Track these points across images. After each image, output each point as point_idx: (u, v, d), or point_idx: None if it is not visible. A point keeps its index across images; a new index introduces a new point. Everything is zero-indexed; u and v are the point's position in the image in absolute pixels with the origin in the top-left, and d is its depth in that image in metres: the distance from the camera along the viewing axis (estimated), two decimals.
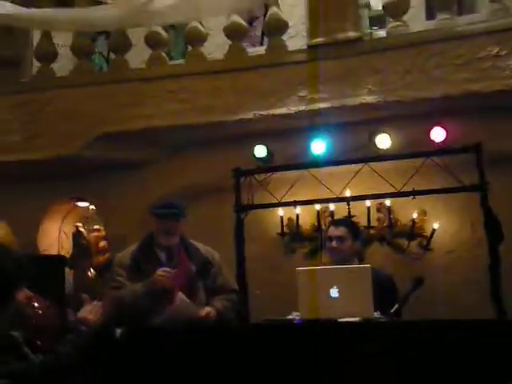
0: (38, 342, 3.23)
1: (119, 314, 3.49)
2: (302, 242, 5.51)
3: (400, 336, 2.91)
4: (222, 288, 3.77)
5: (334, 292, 3.20)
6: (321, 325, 3.07)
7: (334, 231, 4.03)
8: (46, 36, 5.70)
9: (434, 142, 4.56)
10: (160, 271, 3.49)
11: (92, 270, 6.28)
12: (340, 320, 3.09)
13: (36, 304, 3.29)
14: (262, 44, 6.43)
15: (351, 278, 3.27)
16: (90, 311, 3.09)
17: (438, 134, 4.51)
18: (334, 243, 3.97)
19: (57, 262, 4.86)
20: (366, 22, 5.74)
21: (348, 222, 4.40)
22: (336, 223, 4.18)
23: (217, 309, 3.62)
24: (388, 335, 2.94)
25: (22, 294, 2.97)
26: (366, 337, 2.93)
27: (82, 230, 6.15)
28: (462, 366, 2.68)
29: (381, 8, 5.28)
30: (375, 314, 3.23)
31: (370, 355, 2.83)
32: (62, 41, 6.53)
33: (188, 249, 3.75)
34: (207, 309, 3.59)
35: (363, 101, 4.74)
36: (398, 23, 4.82)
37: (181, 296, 3.52)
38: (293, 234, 5.52)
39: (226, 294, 3.76)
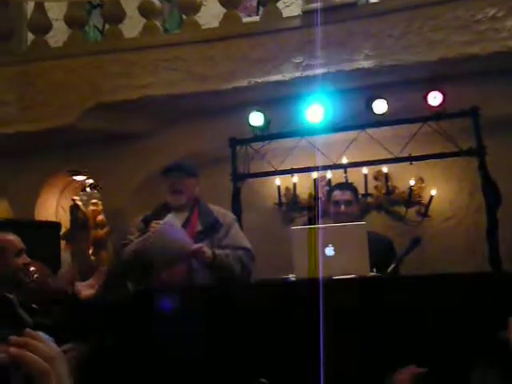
0: (34, 306, 3.24)
1: (122, 269, 3.49)
2: (300, 211, 5.50)
3: (395, 290, 2.88)
4: (230, 246, 3.60)
5: (329, 250, 3.18)
6: (314, 282, 3.04)
7: (341, 195, 4.02)
8: (40, 8, 5.64)
9: (430, 106, 4.53)
10: (153, 223, 3.46)
11: (90, 244, 6.25)
12: (334, 277, 3.07)
13: (32, 268, 3.29)
14: (258, 14, 6.37)
15: (347, 236, 3.24)
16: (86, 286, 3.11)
17: (434, 98, 4.48)
18: (342, 207, 3.95)
19: (52, 227, 4.85)
20: None
21: (352, 186, 4.38)
22: (341, 187, 4.16)
23: (214, 252, 3.47)
24: (384, 290, 2.91)
25: (20, 260, 2.97)
26: (362, 292, 2.90)
27: (79, 203, 6.11)
28: (456, 319, 2.66)
29: None
30: (371, 272, 3.22)
31: (365, 311, 2.81)
32: (56, 15, 6.48)
33: (201, 210, 3.70)
34: (201, 245, 3.45)
35: (359, 66, 4.67)
36: None
37: (171, 219, 3.41)
38: (290, 203, 5.51)
39: (231, 250, 3.60)
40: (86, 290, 3.00)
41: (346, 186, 4.30)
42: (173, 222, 3.42)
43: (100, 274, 3.11)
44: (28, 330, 0.89)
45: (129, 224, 3.94)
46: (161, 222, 3.46)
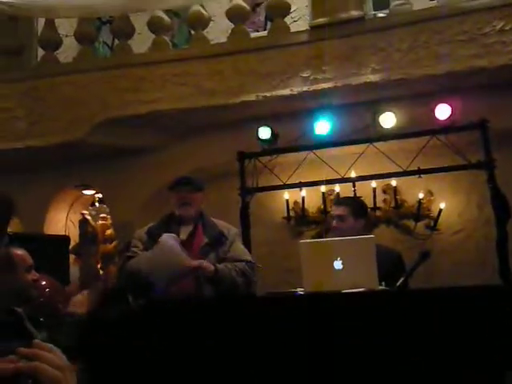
0: (41, 319, 3.25)
1: (128, 282, 3.50)
2: (309, 225, 5.49)
3: (404, 304, 2.87)
4: (232, 259, 3.65)
5: (337, 264, 3.17)
6: (323, 296, 3.03)
7: (335, 210, 4.06)
8: (50, 24, 5.71)
9: (438, 120, 4.53)
10: (164, 235, 3.48)
11: (99, 259, 6.28)
12: (343, 291, 3.06)
13: (44, 282, 3.31)
14: (265, 29, 6.41)
15: (355, 250, 3.23)
16: (79, 304, 3.14)
17: (442, 111, 4.49)
18: (334, 222, 3.97)
19: (61, 241, 4.88)
20: (370, 4, 5.68)
21: (349, 200, 4.37)
22: (337, 202, 4.19)
23: (216, 266, 3.50)
24: (392, 304, 2.89)
25: (30, 276, 2.98)
26: (370, 306, 2.88)
27: (88, 217, 6.15)
28: (465, 332, 2.64)
29: None
30: (380, 286, 3.21)
31: (373, 324, 2.79)
32: (66, 31, 6.56)
33: (205, 223, 3.75)
34: (202, 261, 3.48)
35: (367, 80, 4.68)
36: (401, 1, 4.77)
37: (166, 238, 3.46)
38: (299, 217, 5.50)
39: (233, 262, 3.64)
40: (78, 307, 3.04)
41: (341, 200, 4.33)
42: (168, 240, 3.44)
43: (94, 291, 3.15)
44: (37, 340, 0.90)
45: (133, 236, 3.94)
46: (172, 235, 3.48)
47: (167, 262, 3.39)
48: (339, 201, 4.33)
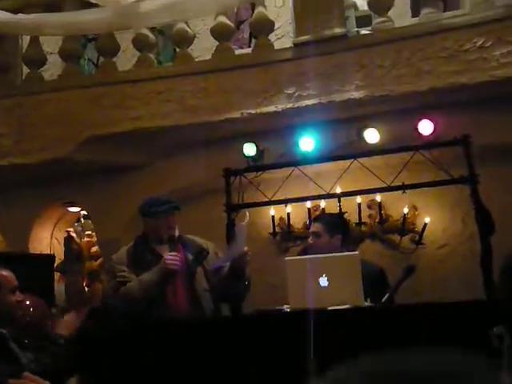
0: (26, 341, 3.23)
1: (128, 307, 3.49)
2: (295, 240, 5.51)
3: (390, 320, 2.88)
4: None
5: (323, 281, 3.19)
6: (309, 313, 3.04)
7: (311, 227, 4.13)
8: (35, 41, 5.70)
9: (422, 135, 4.57)
10: (169, 255, 3.49)
11: (84, 276, 6.24)
12: (329, 308, 3.07)
13: (28, 302, 3.29)
14: (250, 46, 6.45)
15: (340, 267, 3.26)
16: (65, 326, 3.13)
17: (425, 127, 4.53)
18: (310, 239, 4.02)
19: (46, 260, 4.84)
20: (353, 21, 5.76)
21: (325, 217, 4.43)
22: (314, 219, 4.25)
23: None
24: (378, 320, 2.91)
25: (14, 297, 2.96)
26: (356, 322, 2.90)
27: (73, 235, 6.11)
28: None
29: (367, 8, 5.32)
30: (366, 302, 3.22)
31: (359, 341, 2.80)
32: (52, 48, 6.55)
33: (182, 241, 3.77)
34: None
35: (351, 96, 4.73)
36: (383, 19, 4.84)
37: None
38: (284, 233, 5.52)
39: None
40: (61, 329, 3.04)
41: (318, 218, 4.41)
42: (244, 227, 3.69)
43: (80, 314, 3.15)
44: (26, 373, 0.91)
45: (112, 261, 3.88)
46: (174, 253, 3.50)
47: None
48: (316, 218, 4.40)
